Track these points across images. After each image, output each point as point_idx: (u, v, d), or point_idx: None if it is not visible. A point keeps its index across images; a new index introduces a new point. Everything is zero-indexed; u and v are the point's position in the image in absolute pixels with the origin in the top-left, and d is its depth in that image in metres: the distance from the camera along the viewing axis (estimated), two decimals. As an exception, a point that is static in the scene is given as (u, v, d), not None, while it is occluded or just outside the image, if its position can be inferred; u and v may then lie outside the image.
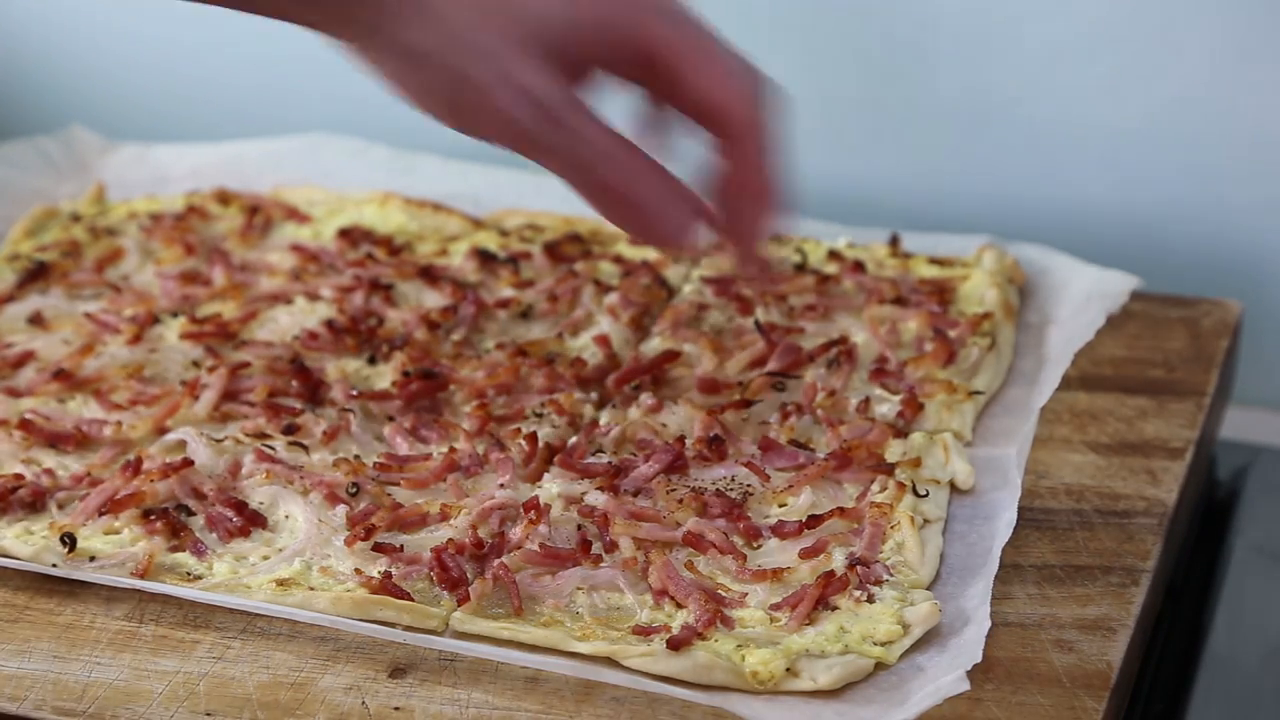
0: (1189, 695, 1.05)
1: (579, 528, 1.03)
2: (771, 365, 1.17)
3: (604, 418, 1.13)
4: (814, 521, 1.02)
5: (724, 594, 0.98)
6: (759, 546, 1.02)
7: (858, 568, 0.98)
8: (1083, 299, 1.25)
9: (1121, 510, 1.06)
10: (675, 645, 0.93)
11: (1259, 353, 1.34)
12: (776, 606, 0.97)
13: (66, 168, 1.48)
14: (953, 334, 1.19)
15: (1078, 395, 1.16)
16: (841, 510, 1.03)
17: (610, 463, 1.08)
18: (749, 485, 1.06)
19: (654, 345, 1.21)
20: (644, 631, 0.95)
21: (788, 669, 0.92)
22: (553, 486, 1.06)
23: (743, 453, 1.09)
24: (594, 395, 1.17)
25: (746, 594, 0.98)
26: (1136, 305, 1.26)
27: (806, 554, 1.00)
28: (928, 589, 0.98)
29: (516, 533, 1.02)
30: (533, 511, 1.03)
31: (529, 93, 0.92)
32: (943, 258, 1.30)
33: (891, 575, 0.98)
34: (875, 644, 0.94)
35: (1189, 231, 1.41)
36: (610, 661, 0.94)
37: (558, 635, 0.95)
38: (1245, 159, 1.38)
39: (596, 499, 1.04)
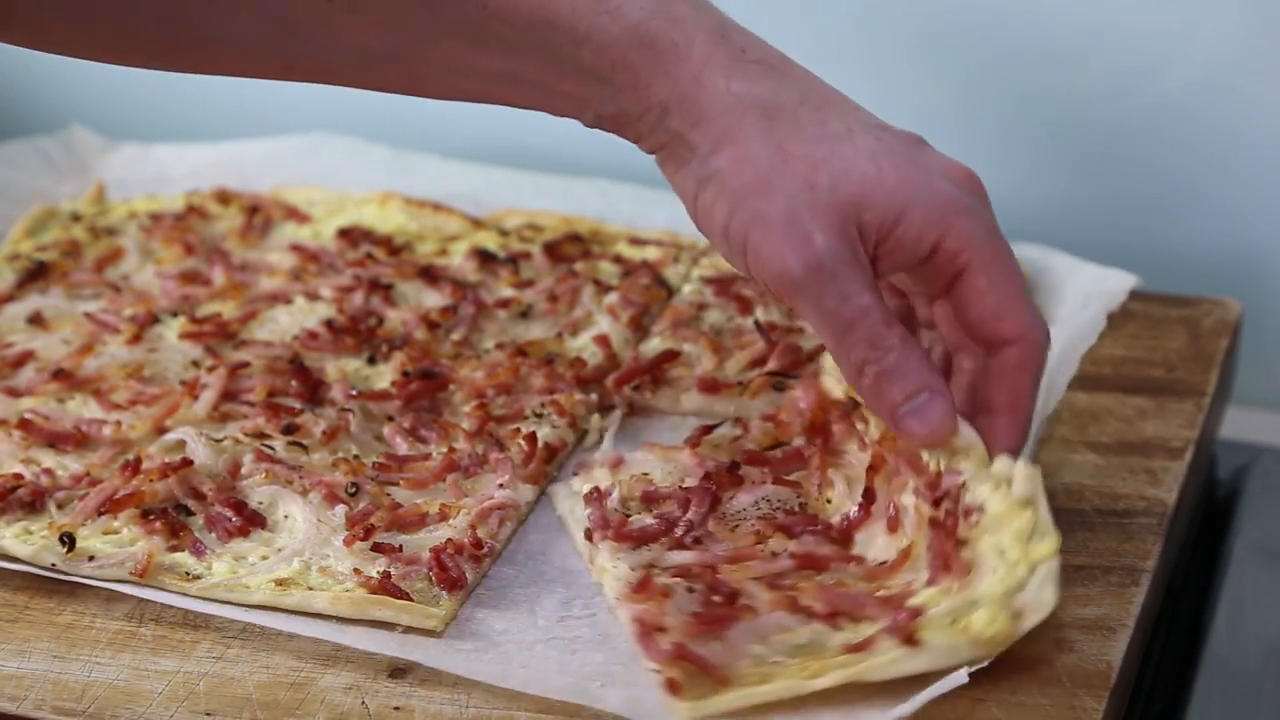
0: (1189, 695, 1.05)
1: (689, 590, 0.96)
2: (771, 365, 1.17)
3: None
4: (869, 495, 1.01)
5: (884, 593, 0.95)
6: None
7: (944, 502, 0.95)
8: (1082, 297, 1.25)
9: (1121, 510, 1.06)
10: (908, 640, 0.90)
11: (1259, 353, 1.33)
12: (931, 580, 0.94)
13: (66, 168, 1.48)
14: (953, 334, 1.19)
15: (1077, 395, 1.16)
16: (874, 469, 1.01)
17: (657, 521, 1.03)
18: (785, 500, 1.05)
19: (654, 345, 1.22)
20: (857, 648, 0.91)
21: (1013, 615, 0.90)
22: (620, 564, 0.99)
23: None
24: (594, 395, 1.17)
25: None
26: (1136, 305, 1.26)
27: (893, 524, 0.98)
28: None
29: (625, 613, 0.96)
30: (640, 590, 0.96)
31: (814, 244, 0.94)
32: (943, 258, 1.30)
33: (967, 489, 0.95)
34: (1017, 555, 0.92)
35: (1189, 231, 1.41)
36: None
37: (791, 683, 0.90)
38: (1245, 159, 1.38)
39: (682, 557, 0.99)
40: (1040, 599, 0.90)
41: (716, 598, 0.95)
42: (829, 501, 1.04)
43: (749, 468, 1.06)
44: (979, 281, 0.96)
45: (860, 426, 1.05)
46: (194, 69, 0.99)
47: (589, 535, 1.02)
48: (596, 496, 1.04)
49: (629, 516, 1.03)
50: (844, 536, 1.01)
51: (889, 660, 0.90)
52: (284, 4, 0.95)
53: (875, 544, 1.00)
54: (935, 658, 0.90)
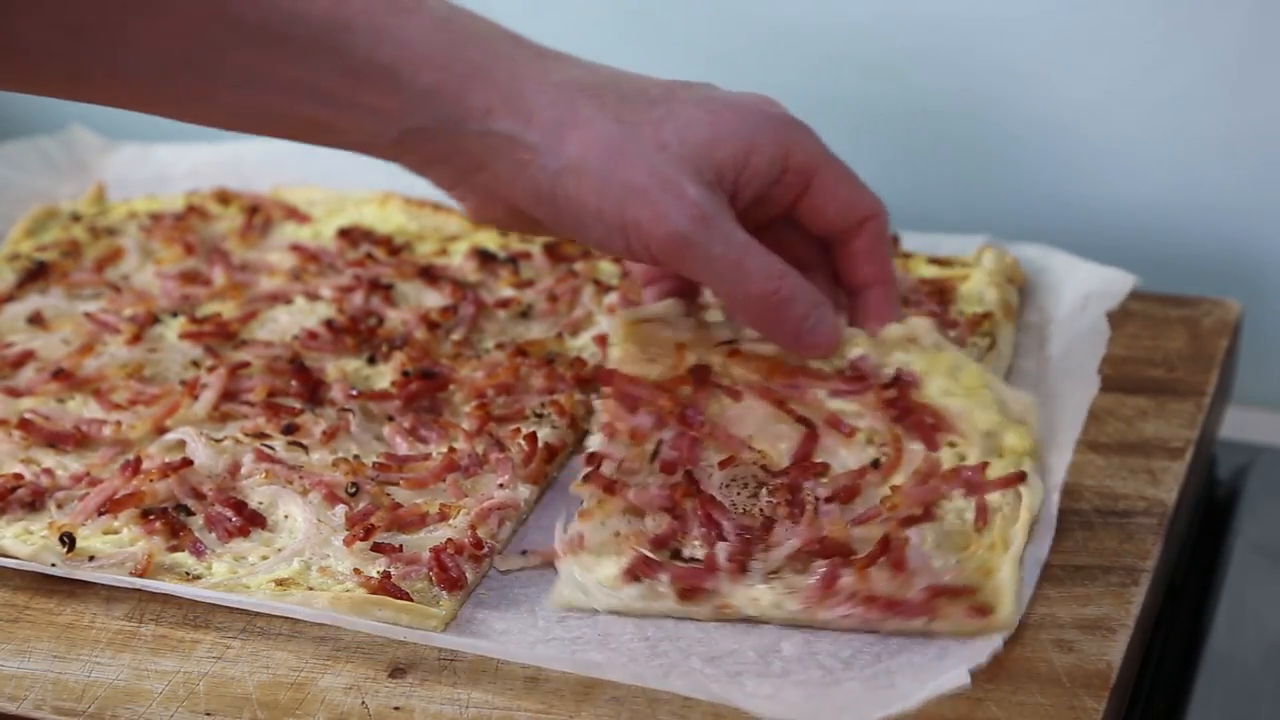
0: (1189, 695, 1.05)
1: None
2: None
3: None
4: (807, 423, 1.06)
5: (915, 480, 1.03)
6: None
7: (884, 389, 1.06)
8: (1081, 298, 1.25)
9: (1121, 510, 1.06)
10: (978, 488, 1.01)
11: (1259, 353, 1.34)
12: (932, 446, 1.04)
13: (66, 168, 1.48)
14: (953, 334, 1.19)
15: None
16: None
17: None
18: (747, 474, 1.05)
19: (654, 345, 1.22)
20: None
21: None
22: (764, 592, 0.97)
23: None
24: (594, 395, 1.17)
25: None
26: (1136, 305, 1.26)
27: (849, 430, 1.05)
28: None
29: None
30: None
31: (689, 198, 0.98)
32: (942, 258, 1.30)
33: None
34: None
35: (1189, 231, 1.41)
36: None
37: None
38: (1246, 159, 1.38)
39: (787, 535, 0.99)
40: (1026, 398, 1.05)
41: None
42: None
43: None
44: (827, 179, 1.04)
45: (728, 382, 1.07)
46: None
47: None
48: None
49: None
50: (822, 467, 1.04)
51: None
52: (74, 10, 0.92)
53: (840, 456, 1.04)
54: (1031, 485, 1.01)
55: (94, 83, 0.96)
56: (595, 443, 1.05)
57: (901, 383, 1.06)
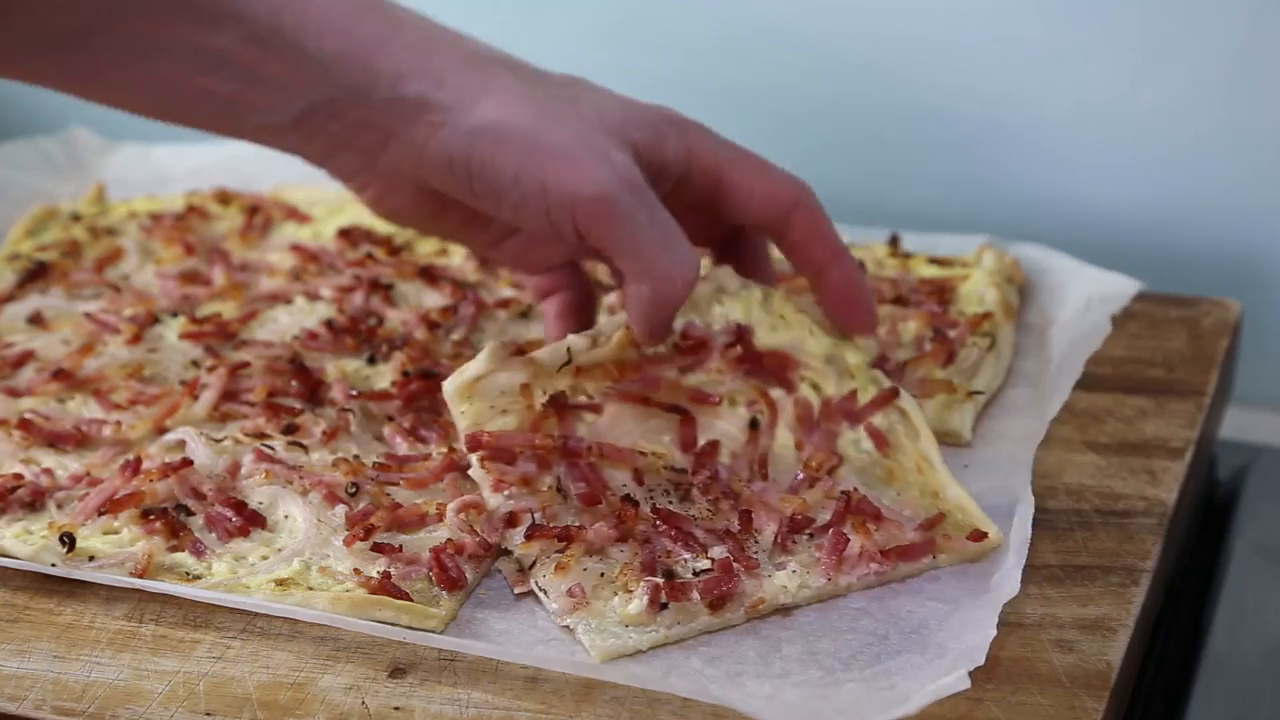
0: (1189, 695, 1.05)
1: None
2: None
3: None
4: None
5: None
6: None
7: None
8: (1084, 301, 1.25)
9: (1121, 510, 1.06)
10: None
11: (1259, 353, 1.34)
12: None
13: (66, 168, 1.48)
14: (952, 334, 1.19)
15: (1078, 395, 1.16)
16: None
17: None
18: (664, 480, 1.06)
19: (654, 345, 1.22)
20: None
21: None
22: (786, 577, 0.98)
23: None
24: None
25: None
26: (1136, 305, 1.26)
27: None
28: None
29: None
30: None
31: (618, 162, 0.97)
32: (942, 258, 1.30)
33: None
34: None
35: (1189, 231, 1.41)
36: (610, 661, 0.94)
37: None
38: (1246, 159, 1.38)
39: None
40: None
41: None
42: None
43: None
44: (736, 175, 1.02)
45: (585, 399, 1.07)
46: None
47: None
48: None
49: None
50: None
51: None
52: None
53: (718, 429, 1.06)
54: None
55: None
56: (500, 503, 1.02)
57: (740, 337, 1.08)
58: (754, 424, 1.06)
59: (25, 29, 0.90)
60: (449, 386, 1.06)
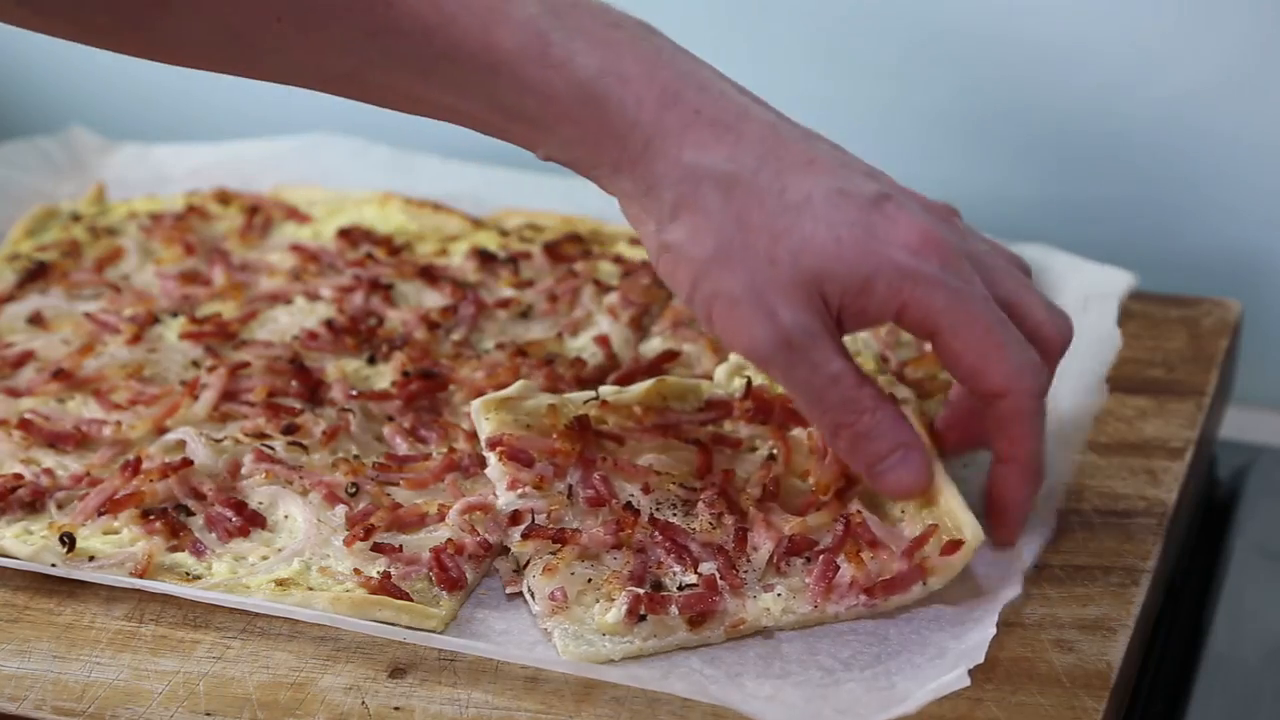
0: (1189, 695, 1.05)
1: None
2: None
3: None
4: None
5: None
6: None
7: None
8: (1082, 299, 1.25)
9: (1121, 510, 1.06)
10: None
11: (1259, 353, 1.33)
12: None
13: (66, 168, 1.48)
14: (953, 334, 1.19)
15: (1078, 396, 1.16)
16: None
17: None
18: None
19: (654, 345, 1.22)
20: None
21: None
22: (771, 600, 0.98)
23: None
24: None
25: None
26: (1136, 305, 1.26)
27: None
28: None
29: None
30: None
31: (780, 322, 0.94)
32: (943, 258, 1.30)
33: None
34: None
35: (1189, 231, 1.41)
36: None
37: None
38: (1246, 159, 1.38)
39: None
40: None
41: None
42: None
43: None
44: (951, 345, 0.95)
45: (607, 428, 1.08)
46: (157, 60, 0.98)
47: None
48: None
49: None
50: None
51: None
52: (235, 19, 0.94)
53: (735, 465, 1.06)
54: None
55: (265, 76, 0.98)
56: (509, 502, 1.03)
57: (753, 393, 1.09)
58: (771, 457, 1.06)
59: (289, 65, 0.98)
60: (477, 402, 1.08)
